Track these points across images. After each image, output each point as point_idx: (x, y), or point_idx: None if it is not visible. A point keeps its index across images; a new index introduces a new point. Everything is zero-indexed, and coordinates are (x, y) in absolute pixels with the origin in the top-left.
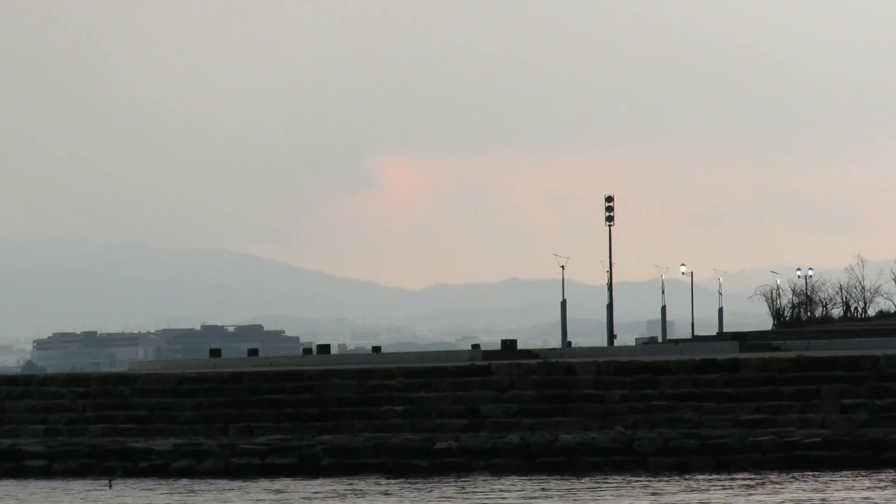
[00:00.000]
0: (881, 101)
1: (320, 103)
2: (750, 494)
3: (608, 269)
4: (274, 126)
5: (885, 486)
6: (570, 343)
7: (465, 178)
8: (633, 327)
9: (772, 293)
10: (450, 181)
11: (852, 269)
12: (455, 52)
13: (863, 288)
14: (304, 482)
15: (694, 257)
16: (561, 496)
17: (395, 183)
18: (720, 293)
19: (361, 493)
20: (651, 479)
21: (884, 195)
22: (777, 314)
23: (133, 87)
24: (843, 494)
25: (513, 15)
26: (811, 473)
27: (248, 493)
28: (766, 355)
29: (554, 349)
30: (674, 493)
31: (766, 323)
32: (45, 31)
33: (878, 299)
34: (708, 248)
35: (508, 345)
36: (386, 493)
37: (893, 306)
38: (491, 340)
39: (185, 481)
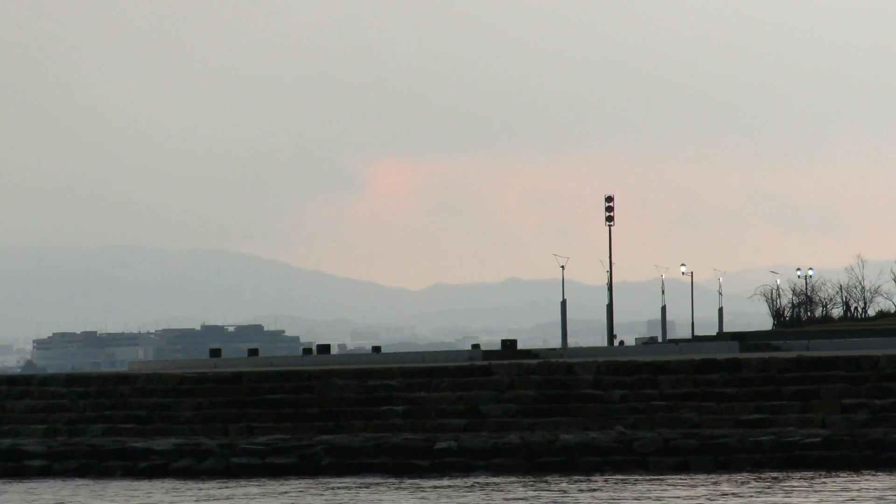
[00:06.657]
0: (881, 102)
1: (319, 104)
2: (752, 494)
3: (608, 269)
4: (274, 127)
5: (885, 485)
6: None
7: (464, 179)
8: (633, 327)
9: (772, 293)
10: (449, 181)
11: (852, 269)
12: (454, 53)
13: (863, 288)
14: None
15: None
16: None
17: (395, 183)
18: (720, 293)
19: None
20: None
21: (884, 195)
22: (777, 314)
23: (132, 88)
24: (841, 491)
25: (508, 16)
26: (811, 473)
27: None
28: (766, 355)
29: (554, 349)
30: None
31: (766, 323)
32: (45, 33)
33: (878, 299)
34: (707, 249)
35: (508, 345)
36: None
37: (893, 306)
38: (491, 340)
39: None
